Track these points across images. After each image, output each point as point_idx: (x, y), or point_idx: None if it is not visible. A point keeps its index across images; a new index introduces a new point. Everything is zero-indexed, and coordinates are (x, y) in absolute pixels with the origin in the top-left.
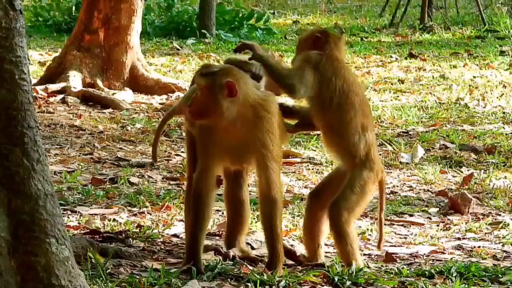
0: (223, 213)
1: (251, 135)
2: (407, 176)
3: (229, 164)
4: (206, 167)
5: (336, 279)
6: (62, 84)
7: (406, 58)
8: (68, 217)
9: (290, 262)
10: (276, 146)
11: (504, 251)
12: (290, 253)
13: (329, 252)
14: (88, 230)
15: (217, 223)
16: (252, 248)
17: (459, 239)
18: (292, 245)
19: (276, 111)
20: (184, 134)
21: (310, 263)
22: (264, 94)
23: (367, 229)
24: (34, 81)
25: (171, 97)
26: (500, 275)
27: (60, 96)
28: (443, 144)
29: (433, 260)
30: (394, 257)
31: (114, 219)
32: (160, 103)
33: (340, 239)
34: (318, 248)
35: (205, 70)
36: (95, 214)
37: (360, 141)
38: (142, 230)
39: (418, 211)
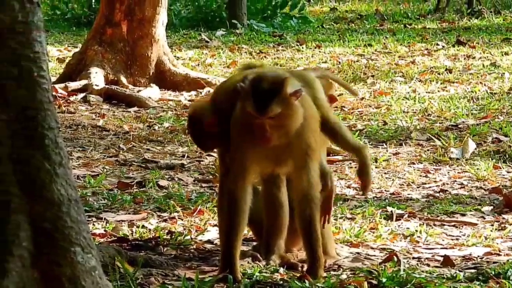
0: None
1: (296, 136)
2: (458, 172)
3: (266, 167)
4: (242, 170)
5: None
6: (83, 82)
7: (453, 46)
8: (93, 224)
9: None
10: (319, 145)
11: None
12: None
13: (369, 255)
14: (115, 238)
15: None
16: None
17: None
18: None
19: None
20: None
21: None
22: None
23: (416, 231)
24: (53, 79)
25: (200, 93)
26: None
27: (81, 95)
28: (496, 138)
29: (488, 262)
30: (452, 261)
31: (142, 226)
32: (189, 100)
33: None
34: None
35: None
36: (122, 221)
37: None
38: (173, 236)
39: (470, 210)
